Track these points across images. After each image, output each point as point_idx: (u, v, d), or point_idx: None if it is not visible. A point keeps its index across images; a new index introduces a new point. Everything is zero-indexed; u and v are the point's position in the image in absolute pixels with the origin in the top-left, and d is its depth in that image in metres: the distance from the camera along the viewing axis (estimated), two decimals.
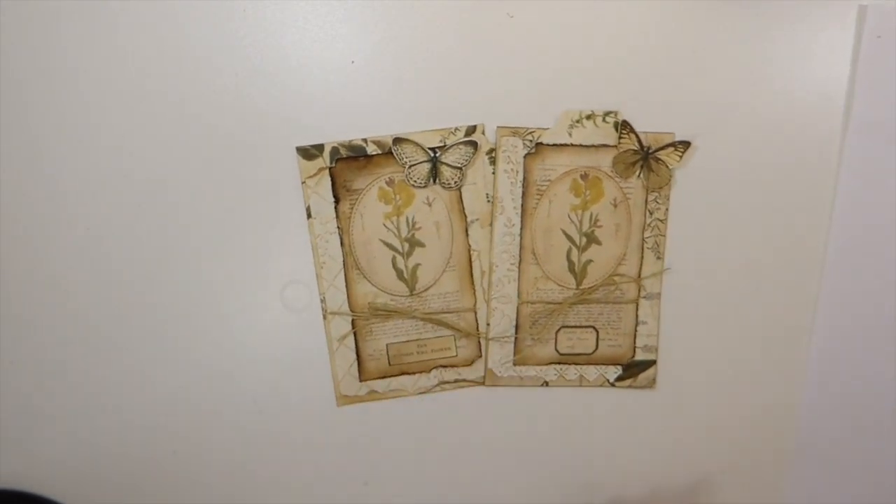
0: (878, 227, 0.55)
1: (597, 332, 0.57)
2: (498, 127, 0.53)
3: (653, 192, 0.55)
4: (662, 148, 0.54)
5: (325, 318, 0.56)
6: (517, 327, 0.57)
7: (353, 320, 0.56)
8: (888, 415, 0.58)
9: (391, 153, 0.53)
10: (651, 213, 0.55)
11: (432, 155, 0.53)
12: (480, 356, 0.57)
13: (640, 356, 0.58)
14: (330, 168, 0.53)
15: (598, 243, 0.56)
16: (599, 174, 0.55)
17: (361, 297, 0.56)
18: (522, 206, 0.55)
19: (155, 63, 0.51)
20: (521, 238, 0.55)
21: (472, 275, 0.56)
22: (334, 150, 0.53)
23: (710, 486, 0.60)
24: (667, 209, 0.55)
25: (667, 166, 0.54)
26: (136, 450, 0.57)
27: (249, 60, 0.52)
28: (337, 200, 0.54)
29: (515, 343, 0.57)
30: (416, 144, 0.53)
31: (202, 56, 0.51)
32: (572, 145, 0.54)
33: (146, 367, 0.56)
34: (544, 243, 0.56)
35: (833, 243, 0.55)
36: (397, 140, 0.53)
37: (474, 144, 0.53)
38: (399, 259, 0.55)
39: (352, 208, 0.54)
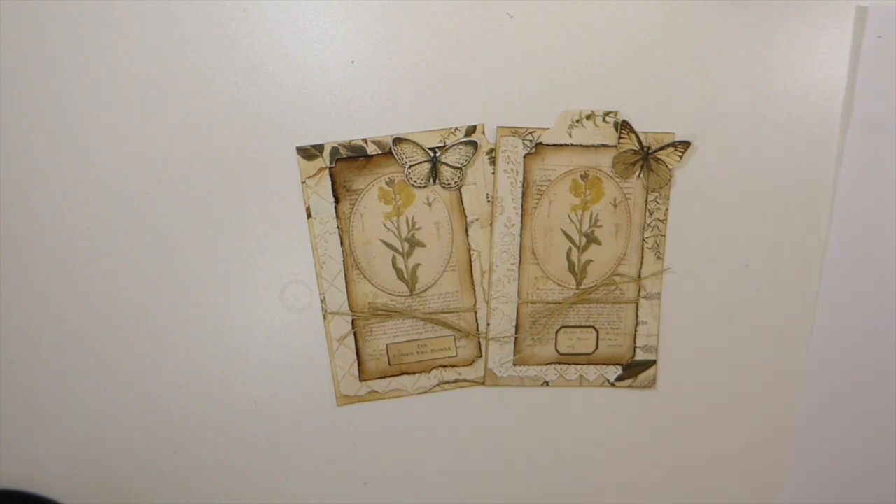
0: (877, 227, 0.55)
1: (597, 332, 0.57)
2: (498, 127, 0.53)
3: (653, 192, 0.55)
4: (662, 148, 0.54)
5: (325, 318, 0.56)
6: (517, 327, 0.57)
7: (353, 320, 0.56)
8: (888, 415, 0.58)
9: (391, 153, 0.53)
10: (651, 213, 0.55)
11: (432, 155, 0.53)
12: (480, 356, 0.57)
13: (640, 356, 0.58)
14: (330, 168, 0.53)
15: (598, 243, 0.56)
16: (599, 174, 0.55)
17: (361, 297, 0.56)
18: (522, 206, 0.55)
19: (155, 63, 0.51)
20: (521, 238, 0.55)
21: (472, 275, 0.56)
22: (334, 150, 0.53)
23: (710, 486, 0.60)
24: (667, 209, 0.55)
25: (667, 166, 0.54)
26: (136, 450, 0.57)
27: (249, 60, 0.52)
28: (337, 200, 0.54)
29: (515, 343, 0.57)
30: (416, 144, 0.53)
31: (202, 56, 0.51)
32: (572, 145, 0.54)
33: (146, 366, 0.56)
34: (544, 243, 0.56)
35: (833, 243, 0.55)
36: (397, 140, 0.53)
37: (474, 144, 0.53)
38: (399, 259, 0.55)
39: (352, 208, 0.54)
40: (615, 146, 0.54)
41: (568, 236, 0.56)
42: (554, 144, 0.54)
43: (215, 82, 0.52)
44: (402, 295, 0.56)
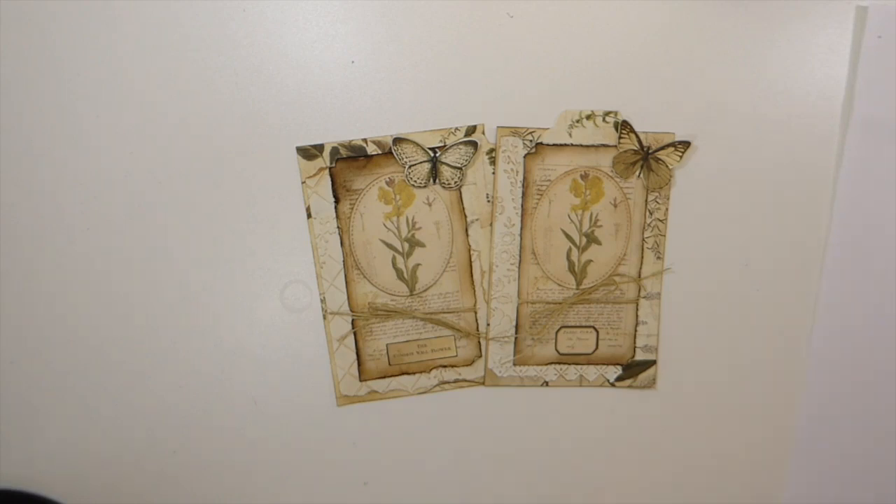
0: (877, 227, 0.55)
1: (597, 332, 0.57)
2: (498, 127, 0.53)
3: (653, 192, 0.55)
4: (662, 148, 0.54)
5: (325, 318, 0.56)
6: (517, 327, 0.57)
7: (353, 320, 0.56)
8: (888, 415, 0.58)
9: (391, 153, 0.53)
10: (651, 213, 0.55)
11: (432, 155, 0.53)
12: (480, 356, 0.57)
13: (640, 356, 0.58)
14: (330, 168, 0.53)
15: (598, 243, 0.56)
16: (599, 174, 0.55)
17: (361, 297, 0.56)
18: (522, 206, 0.55)
19: (155, 63, 0.51)
20: (521, 238, 0.55)
21: (472, 275, 0.56)
22: (334, 150, 0.53)
23: (710, 486, 0.60)
24: (667, 209, 0.55)
25: (667, 166, 0.54)
26: (136, 450, 0.57)
27: (249, 60, 0.52)
28: (337, 200, 0.54)
29: (515, 343, 0.57)
30: (416, 144, 0.53)
31: (202, 56, 0.51)
32: (572, 145, 0.54)
33: (146, 366, 0.56)
34: (544, 243, 0.56)
35: (833, 243, 0.55)
36: (397, 140, 0.53)
37: (474, 144, 0.53)
38: (399, 259, 0.55)
39: (352, 208, 0.54)
40: (615, 146, 0.54)
41: (568, 236, 0.56)
42: (554, 144, 0.54)
43: (215, 82, 0.52)
44: (402, 295, 0.56)
